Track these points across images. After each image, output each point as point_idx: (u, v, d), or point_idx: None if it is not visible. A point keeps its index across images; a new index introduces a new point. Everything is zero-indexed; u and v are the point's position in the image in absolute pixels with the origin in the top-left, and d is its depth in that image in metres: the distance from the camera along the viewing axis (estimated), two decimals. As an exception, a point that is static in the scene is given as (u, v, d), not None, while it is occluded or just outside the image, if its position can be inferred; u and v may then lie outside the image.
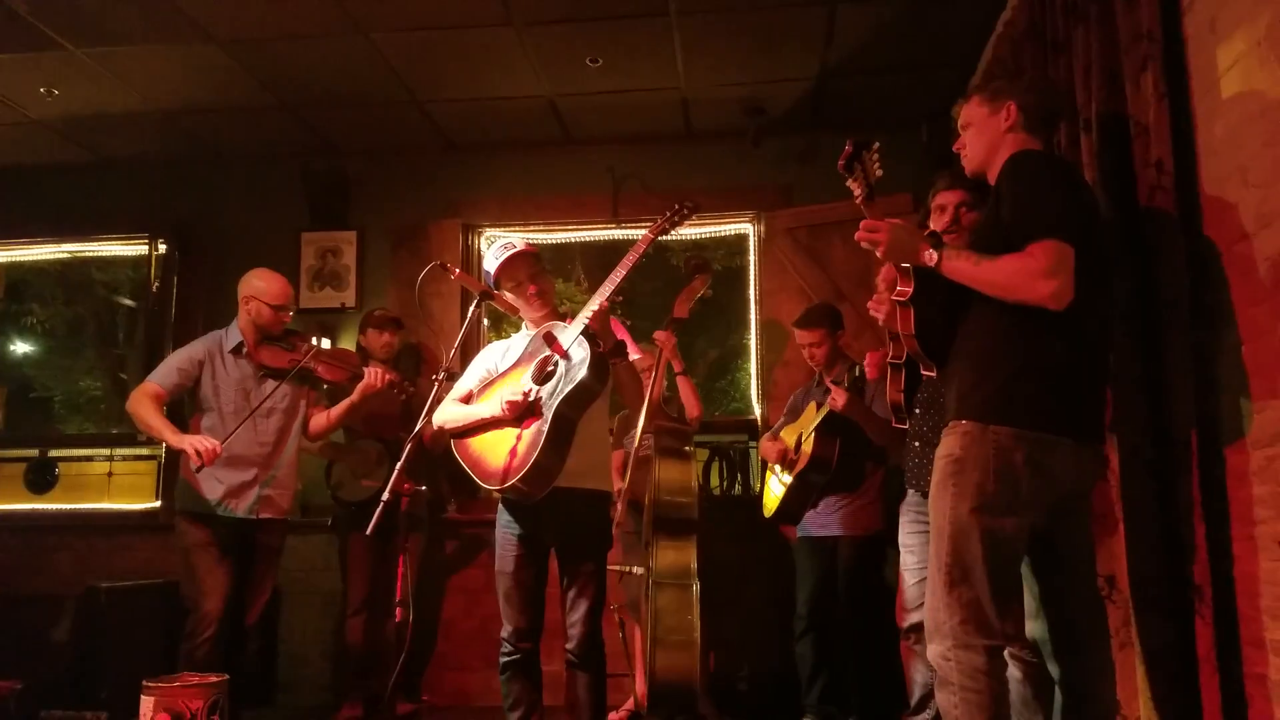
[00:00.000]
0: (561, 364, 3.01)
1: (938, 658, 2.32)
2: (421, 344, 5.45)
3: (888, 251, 2.42)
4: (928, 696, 3.12)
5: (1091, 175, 2.90)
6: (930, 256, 2.35)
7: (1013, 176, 2.39)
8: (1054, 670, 2.47)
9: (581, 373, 2.93)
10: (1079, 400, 2.36)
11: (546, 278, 3.32)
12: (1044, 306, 2.24)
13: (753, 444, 5.41)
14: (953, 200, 2.99)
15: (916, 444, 3.11)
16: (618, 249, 5.56)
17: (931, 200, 3.07)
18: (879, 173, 2.45)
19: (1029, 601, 2.53)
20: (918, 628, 3.01)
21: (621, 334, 3.22)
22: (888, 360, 3.08)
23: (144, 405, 3.78)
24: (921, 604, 2.94)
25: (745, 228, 5.65)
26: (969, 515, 2.28)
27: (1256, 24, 2.29)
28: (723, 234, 5.82)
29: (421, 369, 5.35)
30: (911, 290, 2.45)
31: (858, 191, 2.48)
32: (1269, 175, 2.25)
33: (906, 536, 3.19)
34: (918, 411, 3.09)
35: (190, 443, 3.64)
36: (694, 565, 4.17)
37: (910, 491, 3.33)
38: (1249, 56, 2.33)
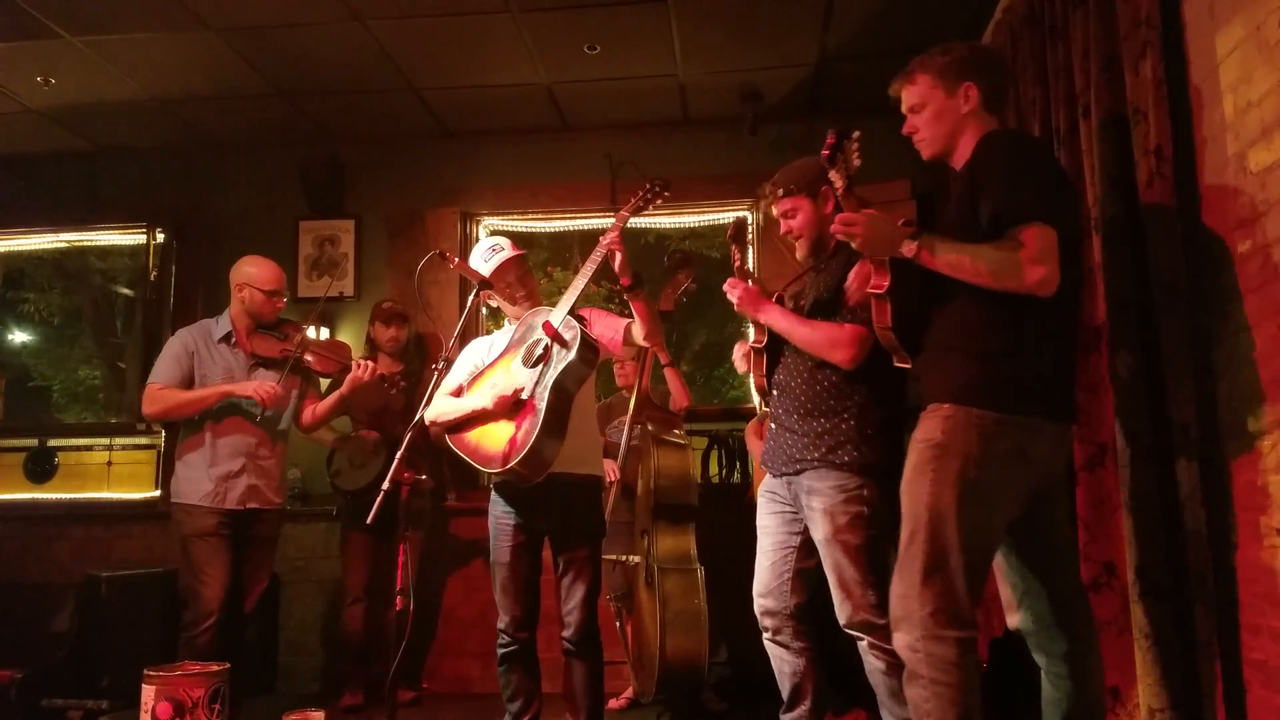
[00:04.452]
0: (553, 346, 3.05)
1: (905, 649, 2.26)
2: (429, 335, 5.43)
3: (865, 244, 2.32)
4: (798, 690, 2.87)
5: (1090, 162, 2.90)
6: (910, 248, 2.27)
7: (989, 159, 2.32)
8: (1041, 660, 2.45)
9: (571, 353, 2.99)
10: (1056, 381, 2.33)
11: (533, 278, 3.44)
12: (1031, 294, 2.20)
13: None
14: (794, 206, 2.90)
15: (773, 426, 2.94)
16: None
17: (773, 209, 2.96)
18: (858, 162, 2.36)
19: (1008, 593, 2.48)
20: (772, 614, 2.86)
21: (608, 322, 3.26)
22: (750, 348, 3.03)
23: (166, 395, 3.80)
24: (771, 590, 2.86)
25: (744, 215, 5.64)
26: (949, 502, 2.22)
27: (1255, 10, 2.28)
28: (721, 221, 5.81)
29: (430, 360, 5.32)
30: (888, 284, 2.36)
31: (839, 183, 2.39)
32: (1268, 162, 2.25)
33: (763, 518, 2.99)
34: (775, 394, 2.93)
35: (253, 388, 3.72)
36: (694, 550, 4.20)
37: (766, 475, 3.04)
38: (1248, 42, 2.32)
